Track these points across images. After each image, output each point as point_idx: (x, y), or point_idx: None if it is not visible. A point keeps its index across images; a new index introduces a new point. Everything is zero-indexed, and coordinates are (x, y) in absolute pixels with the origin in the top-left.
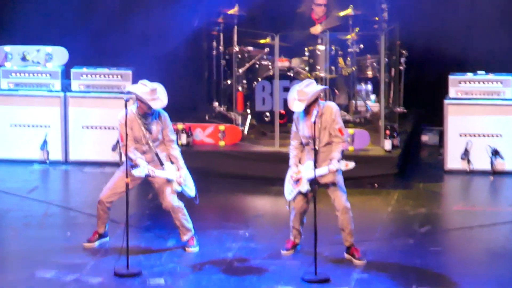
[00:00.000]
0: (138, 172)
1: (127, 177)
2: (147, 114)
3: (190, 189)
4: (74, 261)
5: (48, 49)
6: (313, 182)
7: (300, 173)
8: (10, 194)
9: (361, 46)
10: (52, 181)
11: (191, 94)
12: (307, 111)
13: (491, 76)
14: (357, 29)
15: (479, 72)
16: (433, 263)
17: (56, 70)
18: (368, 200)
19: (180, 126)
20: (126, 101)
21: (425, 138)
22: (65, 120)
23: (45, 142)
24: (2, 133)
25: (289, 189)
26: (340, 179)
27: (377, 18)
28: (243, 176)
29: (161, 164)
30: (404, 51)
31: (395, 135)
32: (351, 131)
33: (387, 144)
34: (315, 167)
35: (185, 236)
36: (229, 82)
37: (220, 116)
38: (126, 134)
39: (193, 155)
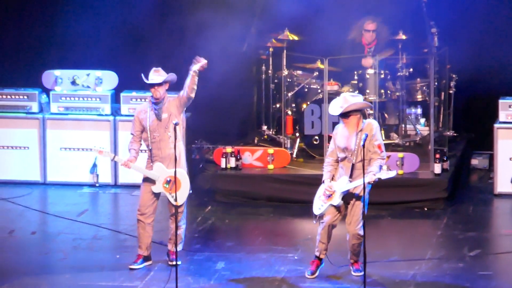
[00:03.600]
0: (106, 154)
1: (176, 200)
2: (157, 101)
3: (175, 198)
4: (123, 284)
5: (98, 73)
6: (347, 195)
7: (332, 188)
8: (60, 217)
9: (411, 70)
10: (102, 204)
11: (241, 118)
12: (346, 122)
13: None
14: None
15: None
16: (482, 287)
17: (106, 94)
18: (418, 223)
19: (229, 149)
20: (175, 124)
21: (474, 162)
22: (114, 143)
23: (94, 166)
24: (52, 156)
25: (319, 204)
26: (367, 201)
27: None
28: (291, 199)
29: (152, 161)
30: (454, 75)
31: (444, 158)
32: (400, 154)
33: (437, 168)
34: (349, 181)
35: (175, 247)
36: (278, 105)
37: (269, 139)
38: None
39: (241, 179)
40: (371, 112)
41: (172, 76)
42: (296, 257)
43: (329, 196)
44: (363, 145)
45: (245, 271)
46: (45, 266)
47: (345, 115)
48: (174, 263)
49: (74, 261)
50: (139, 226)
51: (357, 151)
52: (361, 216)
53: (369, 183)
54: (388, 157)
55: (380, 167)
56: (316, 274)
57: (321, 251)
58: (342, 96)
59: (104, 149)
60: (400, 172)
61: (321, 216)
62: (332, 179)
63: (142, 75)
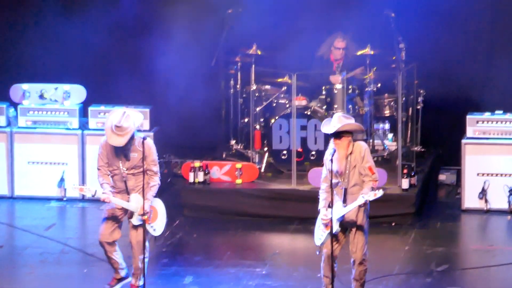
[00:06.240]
0: (87, 191)
1: (148, 214)
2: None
3: (154, 229)
4: None
5: (66, 87)
6: (346, 222)
7: (328, 215)
8: (27, 231)
9: (379, 85)
10: (69, 219)
11: (209, 132)
12: (337, 143)
13: (509, 115)
14: (374, 69)
15: (497, 111)
16: None
17: (74, 108)
18: (386, 239)
19: (197, 164)
20: (144, 139)
21: (442, 177)
22: (82, 157)
23: (62, 180)
24: (20, 170)
25: (319, 235)
26: (367, 225)
27: (394, 58)
28: (260, 214)
29: (128, 194)
30: (421, 90)
31: (412, 174)
32: None
33: (405, 183)
34: (344, 206)
35: (140, 281)
36: (246, 120)
37: (237, 154)
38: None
39: (210, 193)
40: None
41: (138, 122)
42: (264, 272)
43: (327, 225)
44: (331, 160)
45: (213, 286)
46: (12, 280)
47: (337, 135)
48: None
49: (41, 275)
50: (104, 251)
51: (349, 174)
52: (366, 242)
53: (360, 206)
54: None
55: (372, 190)
56: None
57: (327, 285)
58: (336, 116)
59: (85, 187)
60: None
61: (321, 246)
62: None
63: (105, 128)
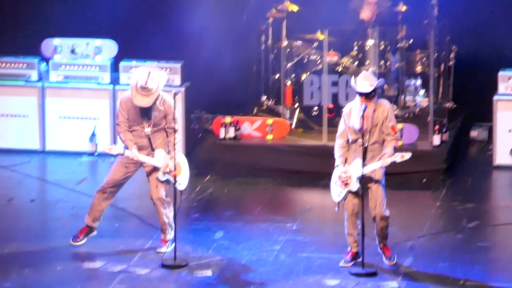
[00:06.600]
0: (108, 149)
1: (174, 169)
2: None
3: (179, 183)
4: (121, 252)
5: (97, 42)
6: (363, 179)
7: (348, 173)
8: (59, 185)
9: (411, 41)
10: (100, 173)
11: (240, 88)
12: (366, 101)
13: None
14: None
15: None
16: (481, 259)
17: (105, 63)
18: (417, 195)
19: (228, 119)
20: (175, 94)
21: (474, 133)
22: (113, 112)
23: (93, 135)
24: (51, 125)
25: (337, 191)
26: (384, 180)
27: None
28: (290, 170)
29: (153, 150)
30: (453, 47)
31: (443, 130)
32: (400, 126)
33: (436, 140)
34: (364, 164)
35: (169, 235)
36: (277, 76)
37: (268, 110)
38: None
39: (240, 149)
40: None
41: (163, 82)
42: (294, 227)
43: (346, 183)
44: (362, 116)
45: (243, 241)
46: (43, 234)
47: (369, 93)
48: (162, 250)
49: (72, 229)
50: (95, 197)
51: (370, 134)
52: (385, 197)
53: (385, 166)
54: None
55: (394, 150)
56: (351, 264)
57: (351, 244)
58: (366, 73)
59: (113, 146)
60: (399, 143)
61: (341, 202)
62: (345, 162)
63: (131, 88)
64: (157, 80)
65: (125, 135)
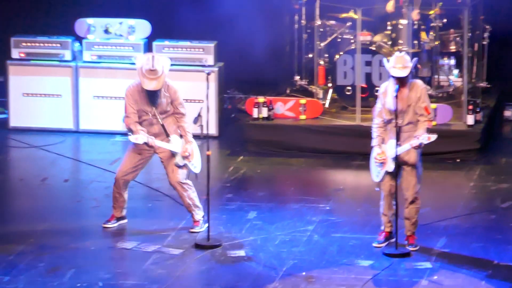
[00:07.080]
0: (135, 139)
1: (208, 150)
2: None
3: (195, 166)
4: (155, 233)
5: (131, 21)
6: (397, 159)
7: (384, 153)
8: (93, 165)
9: (444, 20)
10: None
11: (273, 68)
12: (401, 82)
13: None
14: (440, 4)
15: None
16: None
17: (138, 43)
18: (450, 175)
19: (261, 99)
20: (208, 74)
21: (507, 113)
22: None
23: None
24: (85, 105)
25: (376, 171)
26: (420, 165)
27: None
28: (323, 150)
29: (168, 136)
30: (487, 26)
31: (477, 110)
32: (433, 105)
33: (470, 119)
34: (398, 145)
35: (197, 215)
36: (310, 56)
37: (301, 90)
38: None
39: (273, 129)
40: None
41: (167, 67)
42: (328, 207)
43: (382, 164)
44: (396, 96)
45: (277, 221)
46: (78, 214)
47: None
48: (195, 230)
49: (106, 209)
50: (114, 189)
51: (404, 114)
52: (418, 182)
53: (414, 147)
54: None
55: (427, 130)
56: (384, 244)
57: (385, 224)
58: (398, 55)
59: (139, 135)
60: (433, 123)
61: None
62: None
63: (139, 73)
64: (161, 63)
65: (136, 126)
